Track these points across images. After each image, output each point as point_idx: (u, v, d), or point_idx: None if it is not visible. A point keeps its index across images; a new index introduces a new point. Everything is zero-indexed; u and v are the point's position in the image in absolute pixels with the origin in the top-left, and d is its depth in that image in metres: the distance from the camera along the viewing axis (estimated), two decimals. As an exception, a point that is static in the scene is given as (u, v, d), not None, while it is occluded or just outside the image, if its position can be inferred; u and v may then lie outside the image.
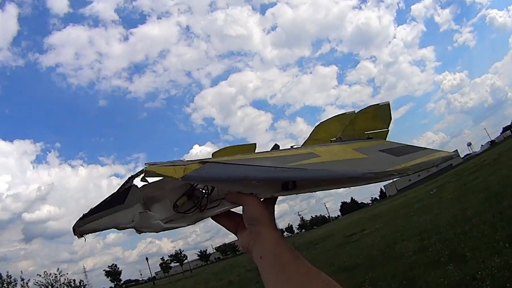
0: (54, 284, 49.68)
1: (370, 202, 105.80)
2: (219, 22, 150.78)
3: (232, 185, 0.80)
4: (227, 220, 0.88)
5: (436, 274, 6.06)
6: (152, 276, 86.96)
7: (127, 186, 0.80)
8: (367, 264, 9.61)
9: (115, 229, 0.80)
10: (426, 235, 9.97)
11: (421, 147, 1.02)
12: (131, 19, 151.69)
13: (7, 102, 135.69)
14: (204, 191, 0.87)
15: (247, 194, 0.79)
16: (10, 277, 40.55)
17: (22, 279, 43.00)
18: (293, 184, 0.79)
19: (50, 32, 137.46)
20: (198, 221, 0.86)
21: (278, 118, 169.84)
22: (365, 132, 1.15)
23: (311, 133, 1.24)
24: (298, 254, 0.76)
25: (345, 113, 1.25)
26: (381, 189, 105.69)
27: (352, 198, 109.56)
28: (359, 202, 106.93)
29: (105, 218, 0.78)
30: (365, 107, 1.18)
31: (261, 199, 0.81)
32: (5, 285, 39.38)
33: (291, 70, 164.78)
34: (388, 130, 1.19)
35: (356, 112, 1.21)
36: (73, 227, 0.78)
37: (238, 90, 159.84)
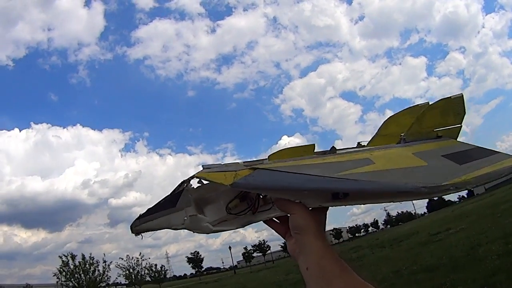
0: (135, 267, 49.96)
1: (457, 200, 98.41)
2: (306, 13, 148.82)
3: (281, 194, 0.78)
4: (277, 224, 0.87)
5: None
6: (234, 265, 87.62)
7: (180, 190, 0.84)
8: (449, 265, 9.58)
9: (169, 229, 0.85)
10: (511, 239, 9.72)
11: (493, 151, 0.93)
12: (217, 12, 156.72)
13: (96, 94, 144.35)
14: (257, 194, 0.85)
15: (295, 202, 0.78)
16: (93, 258, 40.90)
17: (105, 261, 43.17)
18: (344, 194, 0.75)
19: (136, 26, 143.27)
20: (249, 224, 0.86)
21: (367, 110, 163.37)
22: (434, 130, 1.04)
23: (380, 127, 1.15)
24: (346, 266, 0.74)
25: (417, 104, 1.14)
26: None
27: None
28: (447, 199, 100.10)
29: (159, 219, 0.83)
30: (436, 100, 1.05)
31: (310, 208, 0.78)
32: (87, 265, 40.01)
33: (380, 61, 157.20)
34: (461, 126, 1.08)
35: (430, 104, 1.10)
36: (130, 226, 0.85)
37: (327, 81, 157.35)
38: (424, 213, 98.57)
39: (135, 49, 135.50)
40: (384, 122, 1.16)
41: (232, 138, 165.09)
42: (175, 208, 0.83)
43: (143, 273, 50.36)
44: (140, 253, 55.91)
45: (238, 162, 0.88)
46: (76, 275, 39.44)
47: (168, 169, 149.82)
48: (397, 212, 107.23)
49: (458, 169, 0.79)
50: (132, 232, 0.85)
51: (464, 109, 1.06)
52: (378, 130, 1.14)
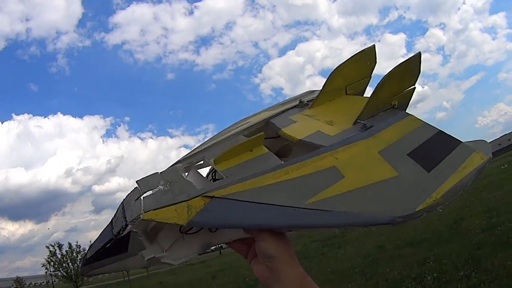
0: None
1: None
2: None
3: (246, 229, 0.71)
4: (242, 246, 0.77)
5: (503, 256, 6.08)
6: (220, 245, 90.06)
7: (126, 233, 0.71)
8: (432, 239, 9.69)
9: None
10: (495, 213, 9.83)
11: (455, 140, 0.87)
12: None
13: (76, 81, 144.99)
14: None
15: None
16: (79, 247, 40.91)
17: None
18: None
19: (114, 11, 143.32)
20: (209, 247, 0.79)
21: None
22: (391, 99, 0.93)
23: (326, 81, 1.00)
24: None
25: (363, 50, 1.01)
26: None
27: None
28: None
29: (112, 265, 0.73)
30: (394, 67, 0.92)
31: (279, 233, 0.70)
32: (74, 254, 40.07)
33: (359, 39, 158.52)
34: (415, 87, 0.98)
35: (374, 46, 1.02)
36: (80, 273, 0.77)
37: (306, 60, 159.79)
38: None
39: (113, 34, 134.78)
40: (329, 75, 1.00)
41: (213, 118, 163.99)
42: (127, 253, 0.72)
43: (130, 258, 51.00)
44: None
45: (176, 167, 0.81)
46: (64, 264, 39.66)
47: (150, 153, 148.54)
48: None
49: (427, 180, 0.74)
50: (82, 275, 0.73)
51: (420, 69, 0.93)
52: (324, 85, 1.00)
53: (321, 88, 1.01)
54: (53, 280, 44.67)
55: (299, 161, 0.74)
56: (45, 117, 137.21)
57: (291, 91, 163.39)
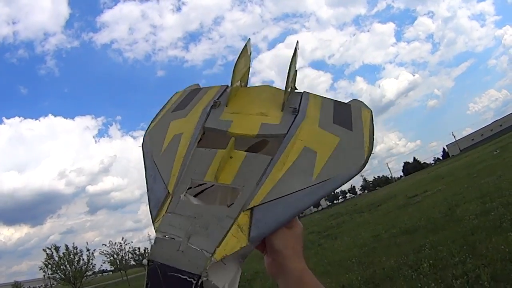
0: (119, 252, 49.61)
1: (433, 162, 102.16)
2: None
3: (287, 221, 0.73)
4: (260, 243, 0.76)
5: (497, 240, 6.18)
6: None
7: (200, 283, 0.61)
8: (428, 227, 9.80)
9: None
10: (488, 198, 9.96)
11: (346, 104, 0.99)
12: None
13: (66, 83, 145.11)
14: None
15: None
16: (76, 248, 41.35)
17: (88, 250, 43.15)
18: None
19: (101, 11, 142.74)
20: (244, 258, 0.74)
21: (337, 78, 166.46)
22: (293, 83, 1.02)
23: (232, 79, 0.97)
24: None
25: (246, 44, 1.03)
26: (444, 148, 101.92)
27: (414, 158, 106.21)
28: (422, 162, 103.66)
29: None
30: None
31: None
32: (71, 256, 40.36)
33: (348, 29, 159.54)
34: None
35: (249, 39, 1.06)
36: None
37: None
38: (401, 176, 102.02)
39: (101, 34, 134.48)
40: (233, 71, 0.97)
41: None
42: None
43: (127, 257, 51.06)
44: (123, 238, 57.82)
45: (182, 200, 0.71)
46: (61, 267, 39.74)
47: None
48: (374, 177, 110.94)
49: (355, 136, 0.86)
50: None
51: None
52: (231, 82, 0.98)
53: (229, 85, 1.01)
54: (52, 283, 44.57)
55: (282, 151, 0.80)
56: (36, 119, 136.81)
57: (282, 84, 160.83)
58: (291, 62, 0.97)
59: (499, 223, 7.18)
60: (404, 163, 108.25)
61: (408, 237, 9.61)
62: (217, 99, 0.98)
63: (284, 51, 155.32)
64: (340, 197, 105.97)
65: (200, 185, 0.86)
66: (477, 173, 17.23)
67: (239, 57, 0.97)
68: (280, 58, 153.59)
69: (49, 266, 39.86)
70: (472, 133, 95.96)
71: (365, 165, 0.80)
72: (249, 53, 1.06)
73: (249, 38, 1.07)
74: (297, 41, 1.05)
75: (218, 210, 0.70)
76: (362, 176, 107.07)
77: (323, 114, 0.93)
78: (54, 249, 40.77)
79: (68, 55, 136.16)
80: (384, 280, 6.77)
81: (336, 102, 1.00)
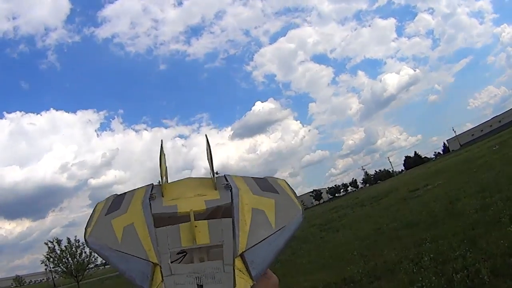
0: None
1: (434, 156, 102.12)
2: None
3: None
4: None
5: (496, 235, 6.27)
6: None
7: None
8: (429, 221, 9.90)
9: None
10: (488, 193, 10.04)
11: (261, 178, 1.08)
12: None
13: (68, 77, 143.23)
14: None
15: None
16: (78, 241, 40.42)
17: None
18: None
19: (102, 5, 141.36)
20: None
21: (339, 72, 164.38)
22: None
23: (161, 174, 1.08)
24: None
25: (161, 149, 1.13)
26: (444, 143, 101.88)
27: (415, 152, 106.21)
28: (423, 156, 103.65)
29: None
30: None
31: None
32: (73, 249, 40.20)
33: (349, 24, 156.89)
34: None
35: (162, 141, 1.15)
36: None
37: (298, 46, 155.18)
38: (402, 170, 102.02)
39: (102, 28, 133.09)
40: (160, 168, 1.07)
41: (207, 108, 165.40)
42: None
43: (129, 250, 50.75)
44: (124, 230, 55.03)
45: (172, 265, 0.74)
46: (63, 260, 39.69)
47: (145, 144, 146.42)
48: (375, 170, 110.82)
49: (282, 197, 0.95)
50: None
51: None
52: (161, 177, 1.07)
53: (153, 183, 1.11)
54: (53, 276, 44.35)
55: (238, 213, 0.88)
56: (37, 113, 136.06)
57: (284, 77, 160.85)
58: (210, 153, 1.07)
59: (499, 217, 7.26)
60: (406, 157, 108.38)
61: (409, 230, 9.72)
62: (151, 193, 1.03)
63: (286, 45, 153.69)
64: (341, 190, 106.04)
65: (178, 253, 0.86)
66: (477, 168, 17.30)
67: (160, 157, 1.08)
68: (282, 51, 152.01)
69: (51, 259, 39.94)
70: (472, 128, 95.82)
71: (303, 215, 0.88)
72: (164, 154, 1.13)
73: (162, 140, 1.13)
74: (206, 135, 1.12)
75: (213, 263, 0.74)
76: (363, 169, 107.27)
77: (250, 186, 1.02)
78: (56, 242, 40.81)
79: (70, 50, 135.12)
80: (385, 273, 6.90)
81: (254, 177, 1.10)
